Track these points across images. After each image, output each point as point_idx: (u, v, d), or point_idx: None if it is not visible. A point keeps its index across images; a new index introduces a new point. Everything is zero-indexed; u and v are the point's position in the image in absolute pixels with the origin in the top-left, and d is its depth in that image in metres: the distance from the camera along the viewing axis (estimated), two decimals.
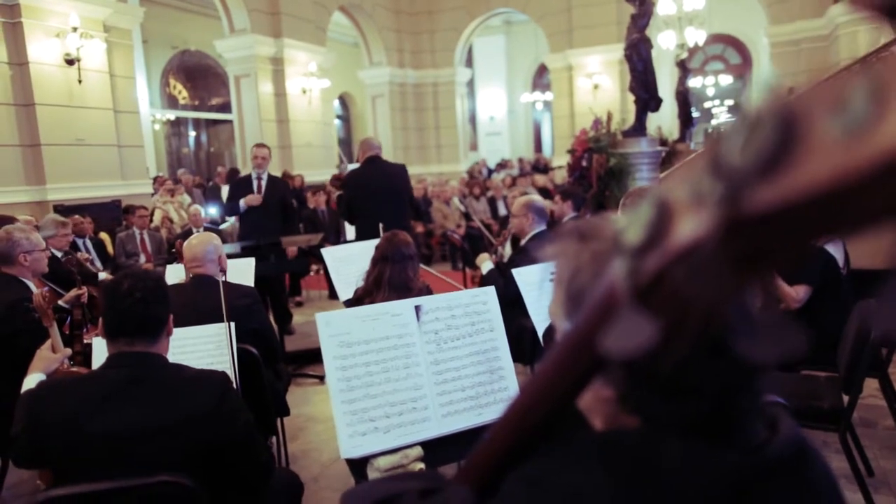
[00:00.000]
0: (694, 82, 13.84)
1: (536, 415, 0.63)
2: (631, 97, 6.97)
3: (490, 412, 2.03)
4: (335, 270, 3.77)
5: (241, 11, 9.95)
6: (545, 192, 9.12)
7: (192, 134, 15.35)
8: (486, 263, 3.66)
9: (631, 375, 0.63)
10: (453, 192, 10.00)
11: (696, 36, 10.92)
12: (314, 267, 7.34)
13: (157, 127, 13.78)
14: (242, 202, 5.30)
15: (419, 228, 8.74)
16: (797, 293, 3.00)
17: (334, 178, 5.43)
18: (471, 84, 16.85)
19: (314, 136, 11.28)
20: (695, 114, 12.00)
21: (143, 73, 12.03)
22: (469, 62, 16.28)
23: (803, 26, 10.82)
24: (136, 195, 7.66)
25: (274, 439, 2.94)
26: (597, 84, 12.78)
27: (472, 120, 18.38)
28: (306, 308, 6.92)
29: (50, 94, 6.86)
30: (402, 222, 4.24)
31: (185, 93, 14.57)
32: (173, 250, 5.90)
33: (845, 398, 2.54)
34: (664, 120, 12.38)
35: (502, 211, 9.55)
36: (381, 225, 3.96)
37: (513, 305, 2.74)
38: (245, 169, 9.81)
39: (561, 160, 11.49)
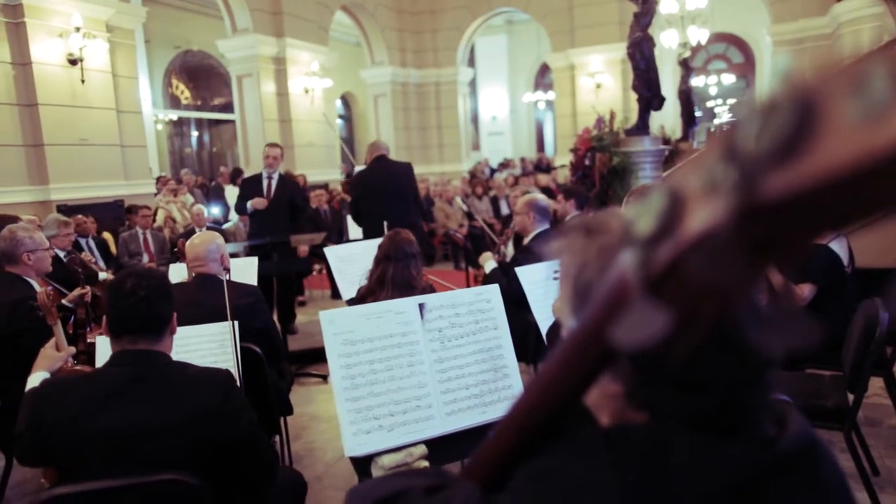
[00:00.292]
0: (696, 81, 13.82)
1: (544, 410, 0.62)
2: (633, 96, 6.96)
3: (494, 410, 2.02)
4: (338, 269, 3.77)
5: (243, 11, 9.96)
6: (548, 192, 9.10)
7: (195, 134, 15.37)
8: (489, 262, 3.66)
9: (639, 371, 0.62)
10: (456, 191, 10.00)
11: (698, 35, 10.90)
12: (316, 266, 7.34)
13: (159, 127, 13.80)
14: (249, 204, 5.34)
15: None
16: (802, 292, 2.99)
17: (345, 184, 5.46)
18: (473, 84, 16.84)
19: (316, 135, 11.28)
20: (697, 113, 11.98)
21: (145, 74, 12.05)
22: (471, 62, 16.27)
23: (806, 25, 10.79)
24: (139, 195, 7.67)
25: (277, 438, 2.94)
26: (599, 83, 12.77)
27: (475, 119, 18.37)
28: (309, 307, 6.92)
29: (53, 94, 6.87)
30: (407, 221, 4.24)
31: (187, 93, 14.59)
32: (176, 249, 5.91)
33: (850, 397, 2.53)
34: (667, 119, 12.36)
35: (505, 210, 9.54)
36: (385, 224, 3.96)
37: (516, 304, 2.74)
38: (248, 169, 9.83)
39: (563, 159, 11.49)
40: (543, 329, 2.65)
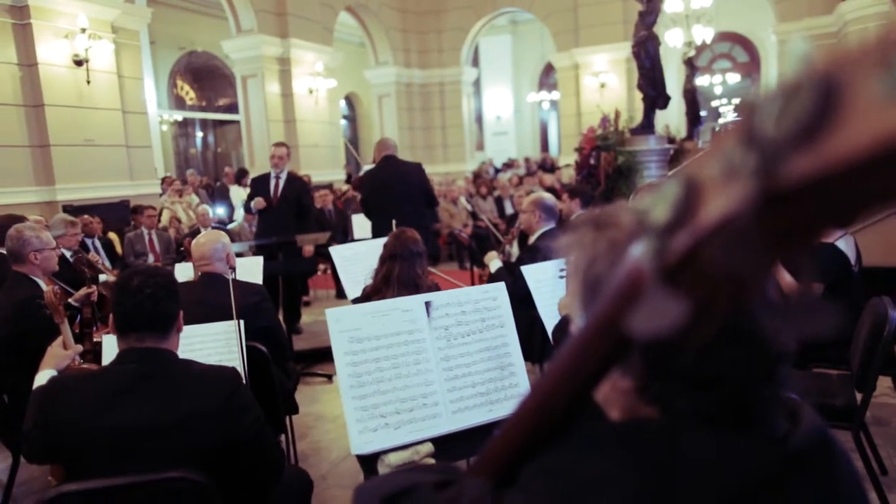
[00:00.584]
0: (701, 80, 13.78)
1: (555, 404, 0.62)
2: (638, 95, 6.95)
3: (500, 408, 2.02)
4: (343, 269, 3.77)
5: (247, 12, 9.98)
6: (552, 192, 9.08)
7: (200, 135, 15.41)
8: (494, 262, 3.65)
9: (650, 366, 0.62)
10: (460, 191, 9.99)
11: (703, 34, 10.87)
12: (321, 266, 7.35)
13: (164, 128, 13.83)
14: (252, 204, 5.36)
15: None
16: None
17: (356, 181, 5.46)
18: (477, 84, 16.84)
19: (321, 136, 11.29)
20: (702, 112, 11.95)
21: (150, 75, 12.08)
22: (475, 62, 16.27)
23: (812, 23, 10.74)
24: (145, 195, 7.69)
25: (283, 437, 2.94)
26: (603, 83, 12.74)
27: (479, 119, 18.36)
28: (314, 307, 6.93)
29: (59, 94, 6.90)
30: (415, 220, 4.24)
31: (192, 94, 14.62)
32: (182, 249, 5.93)
33: (858, 396, 2.51)
34: (671, 118, 12.33)
35: (509, 210, 9.53)
36: (393, 222, 3.96)
37: (522, 303, 2.73)
38: (253, 169, 9.85)
39: (568, 159, 11.48)
40: (549, 328, 2.65)
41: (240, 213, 8.71)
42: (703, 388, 0.60)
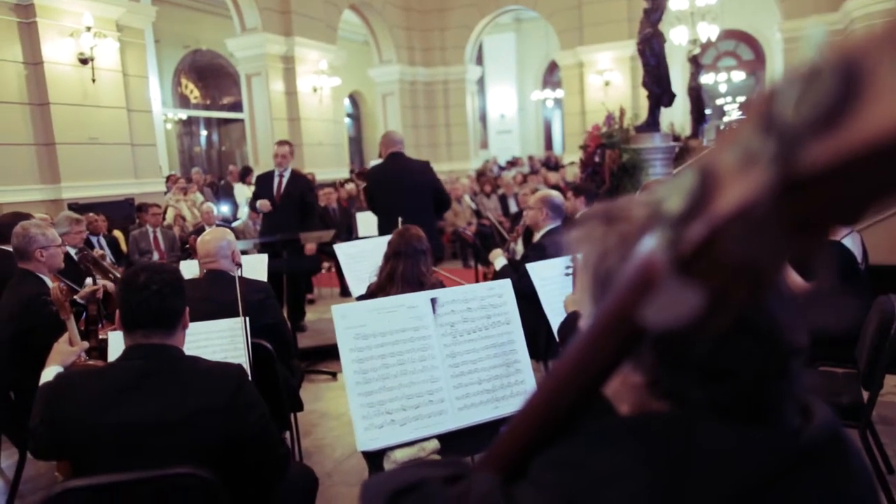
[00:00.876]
0: (706, 79, 13.74)
1: (565, 398, 0.61)
2: (642, 93, 6.93)
3: (506, 405, 2.01)
4: (347, 267, 3.77)
5: (252, 10, 9.98)
6: (557, 190, 9.07)
7: (204, 133, 15.43)
8: (499, 259, 3.65)
9: (662, 360, 0.61)
10: (464, 189, 9.98)
11: (708, 31, 10.84)
12: (325, 264, 7.35)
13: (169, 126, 13.86)
14: (258, 205, 5.37)
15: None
16: None
17: (360, 172, 5.44)
18: (481, 82, 16.82)
19: (325, 134, 11.30)
20: (707, 111, 11.91)
21: (155, 73, 12.10)
22: (479, 60, 16.25)
23: (818, 21, 10.69)
24: (149, 193, 7.71)
25: (287, 434, 2.94)
26: (607, 81, 12.71)
27: (483, 118, 18.35)
28: (318, 305, 6.93)
29: (64, 93, 6.92)
30: (422, 219, 4.22)
31: (196, 92, 14.65)
32: (187, 246, 5.93)
33: (864, 394, 2.50)
34: (676, 116, 12.29)
35: (513, 208, 9.52)
36: (399, 220, 3.95)
37: (527, 301, 2.72)
38: (257, 167, 9.86)
39: (571, 157, 11.46)
40: (555, 325, 2.64)
41: (244, 212, 8.73)
42: (716, 381, 0.60)
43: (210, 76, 14.65)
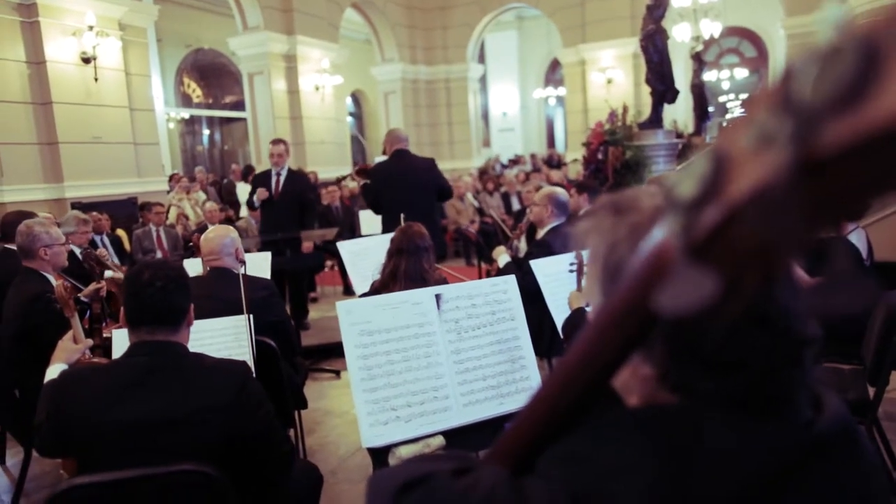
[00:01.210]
0: (709, 76, 13.70)
1: (574, 390, 0.61)
2: (645, 91, 6.92)
3: (511, 402, 2.01)
4: (351, 264, 3.77)
5: (254, 9, 9.98)
6: (560, 187, 9.05)
7: (206, 132, 15.44)
8: (502, 256, 3.64)
9: (672, 351, 0.61)
10: (467, 187, 9.98)
11: (711, 28, 10.81)
12: (328, 262, 7.35)
13: (171, 125, 13.87)
14: (255, 197, 5.38)
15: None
16: None
17: (360, 169, 5.42)
18: (483, 80, 16.79)
19: (327, 132, 11.30)
20: (710, 108, 11.87)
21: (157, 72, 12.11)
22: (481, 58, 16.22)
23: (821, 17, 10.64)
24: (152, 192, 7.72)
25: (292, 432, 2.94)
26: (610, 78, 12.69)
27: (485, 116, 18.31)
28: (321, 304, 6.93)
29: (67, 92, 6.92)
30: (426, 216, 4.21)
31: (198, 91, 14.65)
32: (191, 244, 5.94)
33: (871, 390, 2.49)
34: (679, 114, 12.27)
35: (516, 206, 9.51)
36: (402, 217, 3.94)
37: (531, 298, 2.72)
38: (259, 166, 9.85)
39: (574, 155, 11.44)
40: (559, 322, 2.64)
41: (245, 211, 8.72)
42: (728, 371, 0.59)
43: (212, 75, 14.65)
